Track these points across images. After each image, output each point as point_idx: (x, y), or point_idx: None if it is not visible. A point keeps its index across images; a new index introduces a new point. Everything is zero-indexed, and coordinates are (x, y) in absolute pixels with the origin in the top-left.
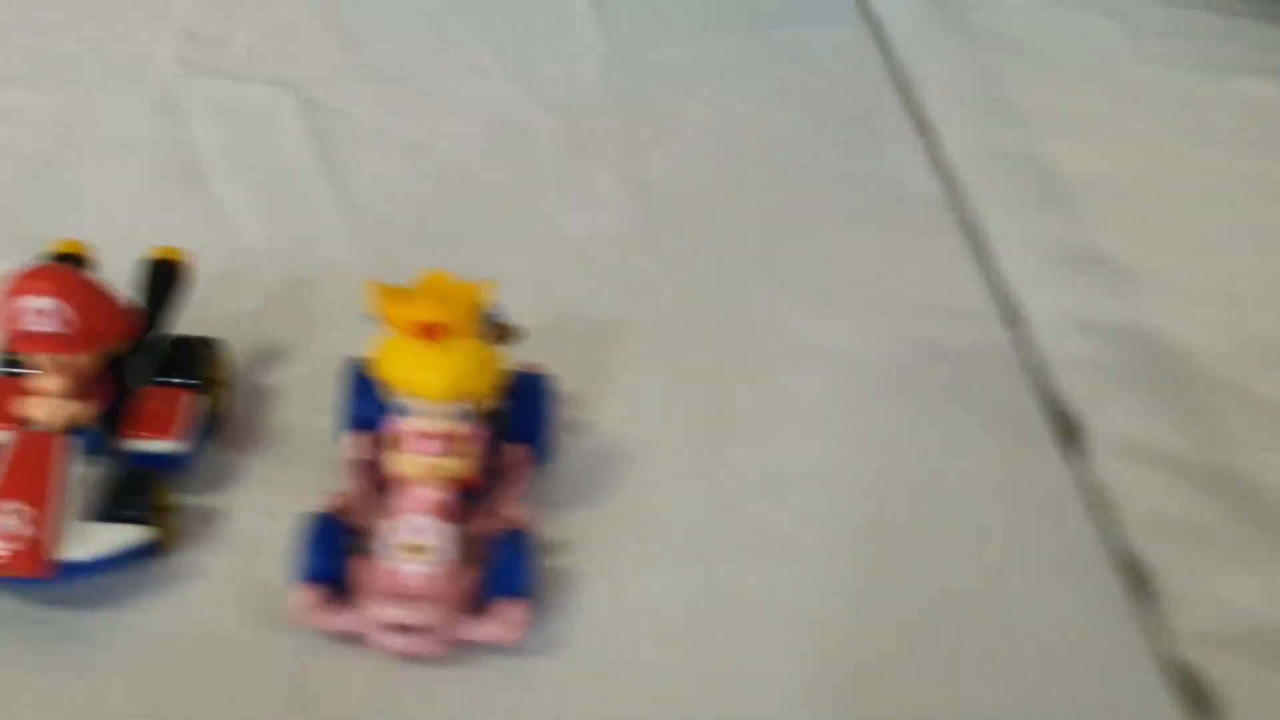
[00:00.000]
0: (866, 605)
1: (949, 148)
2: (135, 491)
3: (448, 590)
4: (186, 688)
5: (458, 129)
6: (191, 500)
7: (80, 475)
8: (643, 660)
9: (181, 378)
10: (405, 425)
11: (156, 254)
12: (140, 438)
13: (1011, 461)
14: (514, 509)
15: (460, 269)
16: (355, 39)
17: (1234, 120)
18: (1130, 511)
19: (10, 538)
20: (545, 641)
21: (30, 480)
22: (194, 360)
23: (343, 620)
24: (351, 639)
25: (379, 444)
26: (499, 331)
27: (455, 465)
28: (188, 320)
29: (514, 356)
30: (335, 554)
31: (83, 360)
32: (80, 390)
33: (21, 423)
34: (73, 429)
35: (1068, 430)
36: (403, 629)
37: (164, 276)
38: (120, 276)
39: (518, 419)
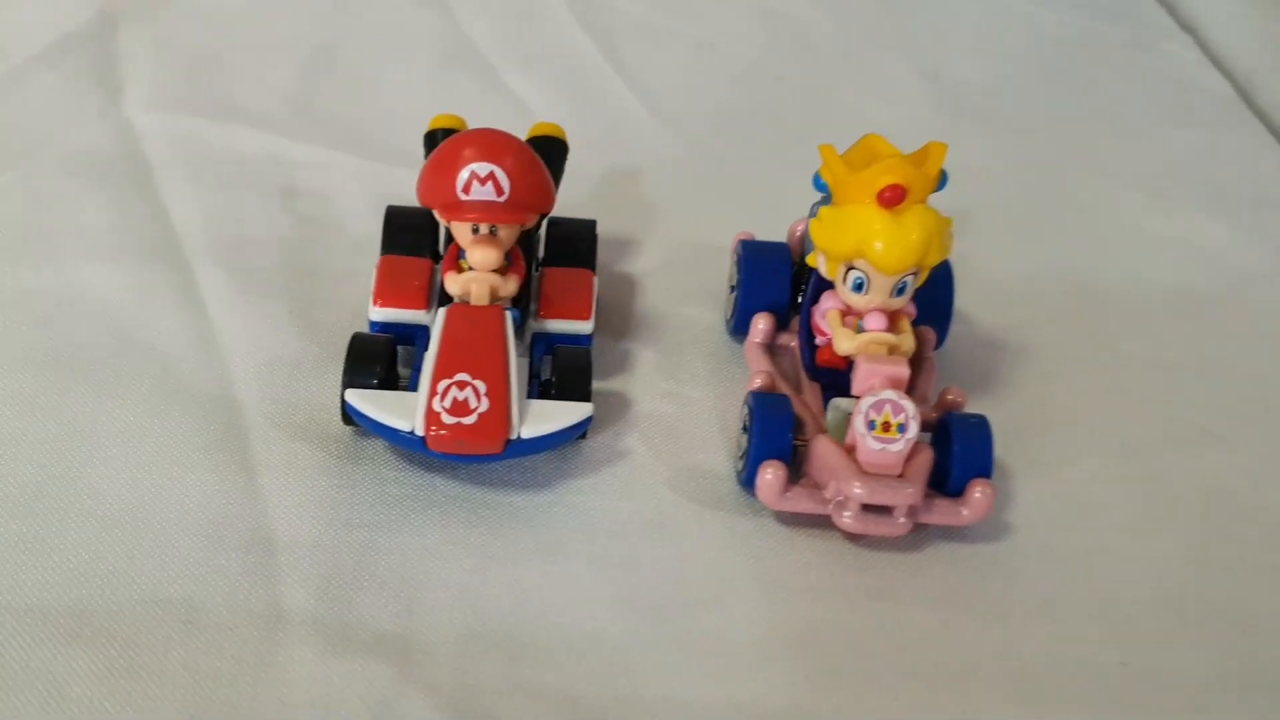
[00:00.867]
0: None
1: (1220, 43)
2: (577, 369)
3: (917, 470)
4: (659, 564)
5: (734, 24)
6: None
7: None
8: (1088, 546)
9: (571, 258)
10: (855, 300)
11: (536, 130)
12: (558, 318)
13: None
14: (953, 390)
15: (765, 158)
16: None
17: None
18: None
19: (466, 413)
20: (989, 528)
21: (478, 355)
22: (582, 241)
23: (808, 500)
24: (805, 519)
25: (788, 327)
26: None
27: (909, 341)
28: None
29: None
30: (788, 434)
31: (511, 233)
32: (503, 266)
33: (459, 297)
34: (504, 305)
35: None
36: (873, 509)
37: (545, 154)
38: None
39: (923, 299)
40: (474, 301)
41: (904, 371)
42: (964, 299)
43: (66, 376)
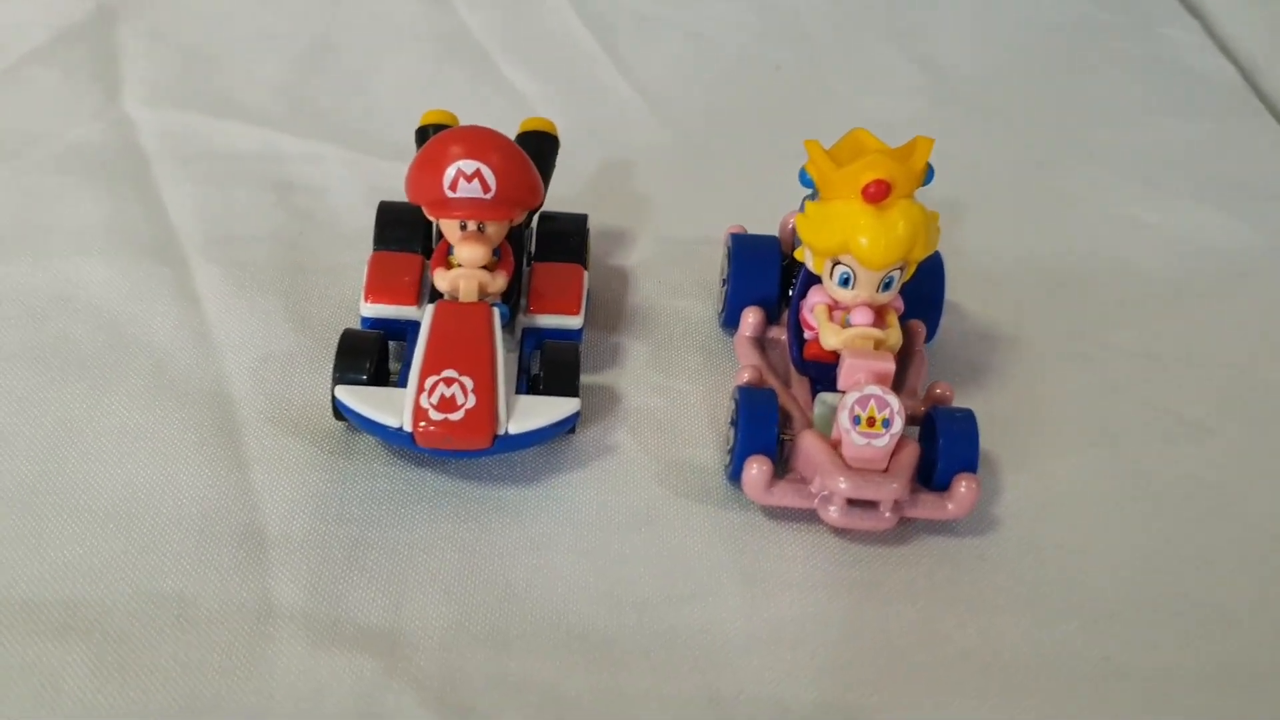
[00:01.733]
0: None
1: (1226, 29)
2: (564, 364)
3: (903, 464)
4: (646, 558)
5: (728, 13)
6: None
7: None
8: (1072, 541)
9: (562, 253)
10: (842, 295)
11: (527, 125)
12: (547, 313)
13: None
14: (940, 385)
15: (759, 150)
16: None
17: None
18: None
19: (453, 409)
20: (974, 522)
21: (466, 351)
22: (573, 235)
23: (794, 495)
24: (792, 514)
25: (779, 321)
26: None
27: (895, 335)
28: None
29: None
30: (773, 428)
31: (499, 229)
32: (492, 262)
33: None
34: (492, 302)
35: None
36: (858, 504)
37: (536, 149)
38: None
39: (913, 292)
40: (462, 298)
41: (889, 366)
42: (956, 290)
43: (60, 371)
